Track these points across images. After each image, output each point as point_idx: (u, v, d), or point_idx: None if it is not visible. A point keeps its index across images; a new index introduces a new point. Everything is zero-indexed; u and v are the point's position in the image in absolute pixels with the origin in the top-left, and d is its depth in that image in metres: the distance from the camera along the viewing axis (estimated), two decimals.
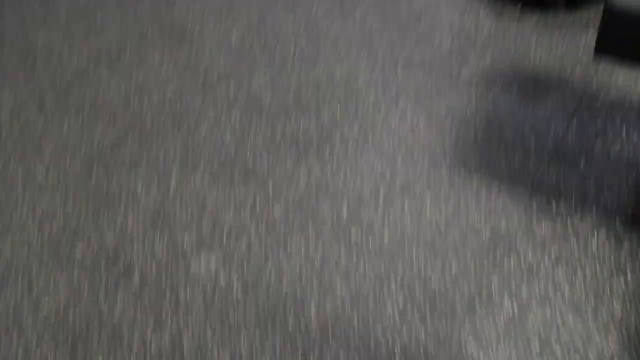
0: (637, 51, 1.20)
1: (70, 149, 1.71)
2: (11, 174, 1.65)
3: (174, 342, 1.26)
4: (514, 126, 1.68)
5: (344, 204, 1.52)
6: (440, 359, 1.21)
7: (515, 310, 1.28)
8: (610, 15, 1.16)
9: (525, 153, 1.62)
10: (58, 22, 2.17)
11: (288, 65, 1.94)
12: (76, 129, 1.77)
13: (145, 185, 1.60)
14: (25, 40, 2.11)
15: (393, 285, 1.33)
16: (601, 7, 1.96)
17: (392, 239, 1.43)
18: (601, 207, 1.48)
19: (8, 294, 1.36)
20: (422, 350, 1.22)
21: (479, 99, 1.77)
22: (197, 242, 1.45)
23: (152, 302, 1.33)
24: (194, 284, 1.36)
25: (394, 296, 1.31)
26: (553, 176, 1.56)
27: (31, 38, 2.11)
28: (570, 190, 1.53)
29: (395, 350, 1.22)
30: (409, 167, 1.61)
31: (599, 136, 1.63)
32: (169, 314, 1.31)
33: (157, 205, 1.54)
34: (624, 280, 1.32)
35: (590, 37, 1.89)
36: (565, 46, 1.87)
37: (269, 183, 1.60)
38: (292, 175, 1.61)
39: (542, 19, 1.96)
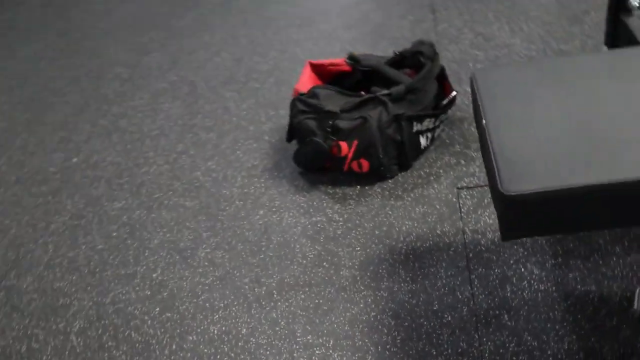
0: (540, 229, 1.16)
1: None
2: None
3: None
4: (422, 309, 1.55)
5: None
6: None
7: None
8: (506, 206, 1.10)
9: (450, 332, 1.48)
10: None
11: (154, 345, 1.65)
12: None
13: None
14: None
15: None
16: (430, 160, 1.98)
17: None
18: (553, 358, 1.37)
19: None
20: None
21: (374, 296, 1.62)
22: None
23: None
24: None
25: None
26: (490, 345, 1.43)
27: None
28: (515, 353, 1.41)
29: None
30: None
31: (504, 283, 1.56)
32: None
33: None
34: None
35: (437, 189, 1.88)
36: (421, 206, 1.84)
37: None
38: None
39: (386, 188, 1.93)
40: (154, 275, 1.87)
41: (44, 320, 1.83)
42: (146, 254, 1.94)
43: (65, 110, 2.66)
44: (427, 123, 1.96)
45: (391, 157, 1.92)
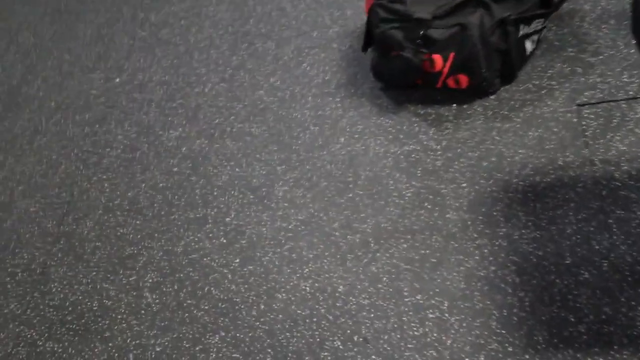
0: None
1: None
2: None
3: None
4: (551, 263, 1.33)
5: None
6: None
7: None
8: None
9: (589, 294, 1.27)
10: None
11: (239, 305, 1.48)
12: None
13: None
14: None
15: None
16: (538, 70, 1.66)
17: None
18: None
19: None
20: None
21: (490, 245, 1.40)
22: None
23: None
24: None
25: None
26: None
27: None
28: None
29: None
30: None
31: None
32: None
33: None
34: None
35: (551, 106, 1.58)
36: (535, 129, 1.55)
37: None
38: None
39: (489, 107, 1.64)
40: (227, 219, 1.67)
41: (112, 273, 1.67)
42: (215, 194, 1.73)
43: (97, 21, 2.36)
44: (536, 24, 1.62)
45: (494, 70, 1.61)
